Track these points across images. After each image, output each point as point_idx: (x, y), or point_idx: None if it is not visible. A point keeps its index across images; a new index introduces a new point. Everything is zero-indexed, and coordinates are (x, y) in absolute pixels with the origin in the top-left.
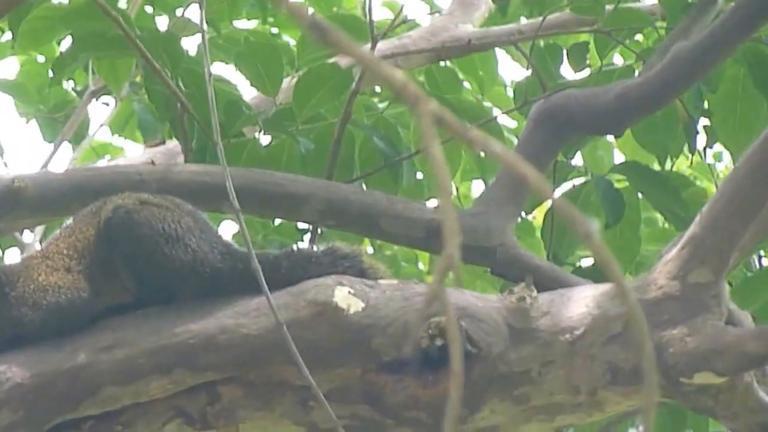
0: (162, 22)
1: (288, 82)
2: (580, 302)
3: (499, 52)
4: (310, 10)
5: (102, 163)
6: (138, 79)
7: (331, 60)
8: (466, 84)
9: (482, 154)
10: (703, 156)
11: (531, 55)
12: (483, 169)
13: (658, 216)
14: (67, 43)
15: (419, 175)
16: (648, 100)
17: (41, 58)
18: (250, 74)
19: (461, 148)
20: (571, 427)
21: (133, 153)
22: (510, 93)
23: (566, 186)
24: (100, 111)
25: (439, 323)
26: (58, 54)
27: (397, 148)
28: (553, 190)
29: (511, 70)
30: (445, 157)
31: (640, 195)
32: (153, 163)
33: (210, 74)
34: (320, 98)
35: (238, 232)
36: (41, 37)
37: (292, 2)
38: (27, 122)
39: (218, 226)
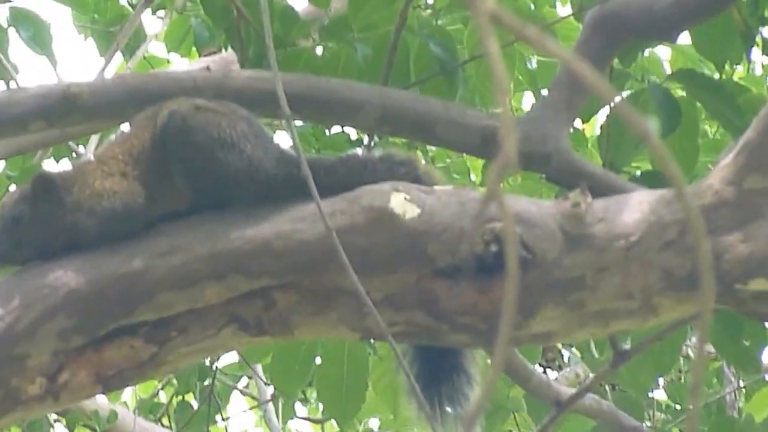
0: None
1: None
2: (636, 208)
3: None
4: None
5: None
6: None
7: None
8: None
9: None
10: (753, 67)
11: None
12: (534, 80)
13: (708, 128)
14: None
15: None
16: (704, 6)
17: None
18: None
19: (514, 59)
20: (625, 333)
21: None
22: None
23: (623, 94)
24: (155, 24)
25: (494, 229)
26: None
27: (452, 55)
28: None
29: None
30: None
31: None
32: (209, 69)
33: None
34: (375, 5)
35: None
36: None
37: None
38: (85, 39)
39: (276, 133)
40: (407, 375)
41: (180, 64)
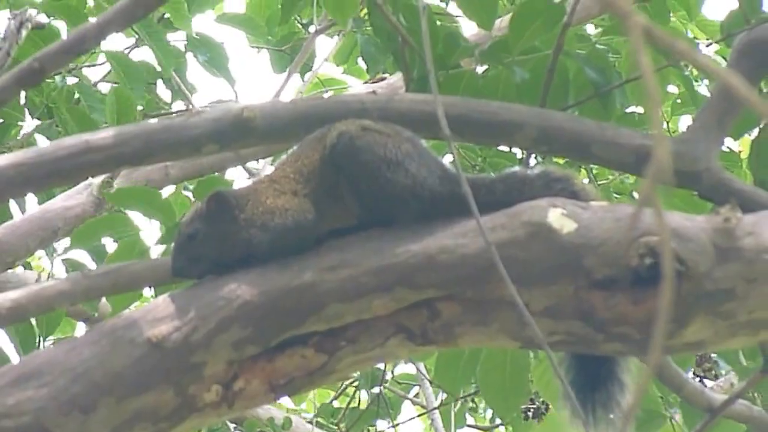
0: None
1: (501, 21)
2: None
3: None
4: None
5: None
6: (362, 14)
7: None
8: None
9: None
10: None
11: None
12: (694, 101)
13: None
14: None
15: (631, 108)
16: None
17: None
18: (467, 9)
19: (672, 79)
20: None
21: (355, 86)
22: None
23: None
24: (326, 46)
25: (648, 242)
26: None
27: (608, 78)
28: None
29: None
30: (655, 76)
31: None
32: (375, 93)
33: (424, 7)
34: (534, 30)
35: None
36: None
37: None
38: (258, 52)
39: (442, 155)
40: (562, 382)
41: (354, 85)
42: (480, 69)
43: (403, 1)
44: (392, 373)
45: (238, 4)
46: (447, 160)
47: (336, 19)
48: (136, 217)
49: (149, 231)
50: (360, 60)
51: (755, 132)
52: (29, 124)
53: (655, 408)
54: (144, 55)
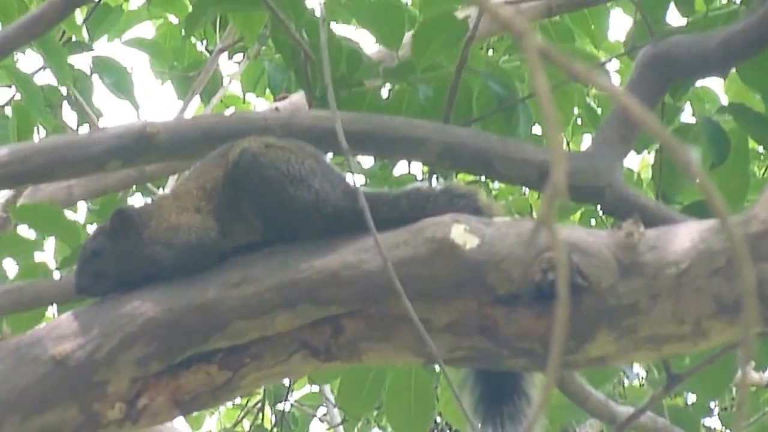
0: None
1: (408, 38)
2: (686, 237)
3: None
4: None
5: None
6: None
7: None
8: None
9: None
10: None
11: (639, 2)
12: (593, 120)
13: (756, 169)
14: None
15: (536, 129)
16: (751, 46)
17: (175, 20)
18: (373, 30)
19: (573, 100)
20: (677, 356)
21: (260, 107)
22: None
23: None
24: (231, 67)
25: (551, 258)
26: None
27: (512, 93)
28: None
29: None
30: (554, 99)
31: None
32: (278, 110)
33: (323, 18)
34: (437, 47)
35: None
36: None
37: None
38: (162, 83)
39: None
40: (458, 399)
41: (258, 104)
42: (384, 87)
43: (305, 18)
44: (291, 392)
45: (145, 31)
46: (356, 177)
47: (244, 33)
48: (38, 236)
49: (52, 251)
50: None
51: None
52: None
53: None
54: (50, 78)
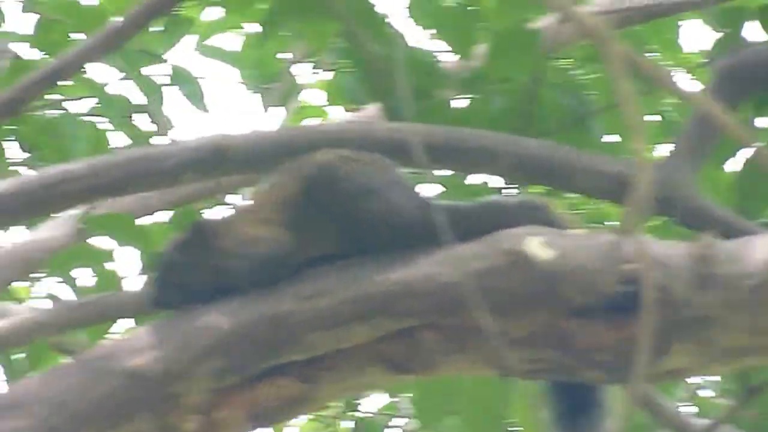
0: None
1: (481, 48)
2: (763, 249)
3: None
4: None
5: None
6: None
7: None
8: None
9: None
10: None
11: (717, 18)
12: (669, 130)
13: None
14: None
15: (609, 137)
16: None
17: (253, 28)
18: (444, 38)
19: (650, 108)
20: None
21: (337, 116)
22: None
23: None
24: (309, 77)
25: (626, 269)
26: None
27: (586, 106)
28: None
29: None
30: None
31: None
32: (353, 122)
33: (401, 36)
34: (512, 58)
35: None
36: (248, 6)
37: None
38: (240, 93)
39: (420, 183)
40: (534, 411)
41: (336, 113)
42: (457, 98)
43: (379, 29)
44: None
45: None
46: (431, 190)
47: (315, 46)
48: (114, 247)
49: (127, 261)
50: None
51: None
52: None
53: None
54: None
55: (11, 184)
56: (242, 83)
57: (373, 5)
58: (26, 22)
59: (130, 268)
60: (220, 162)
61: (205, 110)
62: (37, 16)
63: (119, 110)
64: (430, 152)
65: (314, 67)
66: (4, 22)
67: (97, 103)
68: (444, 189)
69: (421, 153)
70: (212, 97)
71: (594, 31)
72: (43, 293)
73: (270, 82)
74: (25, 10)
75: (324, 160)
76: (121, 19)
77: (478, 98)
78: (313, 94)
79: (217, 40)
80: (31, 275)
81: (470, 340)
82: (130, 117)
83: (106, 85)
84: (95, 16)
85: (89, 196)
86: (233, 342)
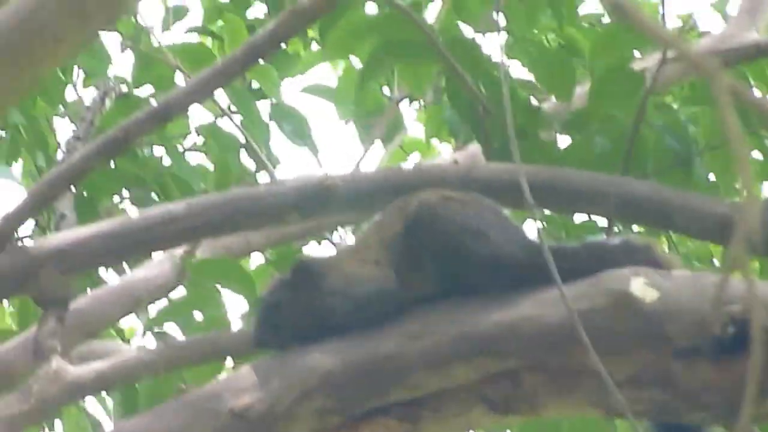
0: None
1: (581, 88)
2: None
3: None
4: None
5: (411, 159)
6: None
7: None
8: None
9: None
10: None
11: None
12: None
13: None
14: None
15: (711, 176)
16: None
17: (357, 63)
18: (544, 81)
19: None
20: None
21: (441, 151)
22: None
23: None
24: (411, 112)
25: (731, 311)
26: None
27: (689, 146)
28: None
29: None
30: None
31: None
32: (456, 162)
33: (507, 76)
34: (614, 99)
35: (537, 226)
36: (348, 46)
37: None
38: (342, 128)
39: (522, 223)
40: None
41: (440, 149)
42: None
43: (482, 70)
44: None
45: (325, 76)
46: (529, 229)
47: (413, 90)
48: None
49: (234, 305)
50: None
51: None
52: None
53: None
54: (226, 125)
55: (115, 224)
56: (342, 119)
57: (479, 46)
58: (130, 60)
59: (234, 309)
60: (325, 203)
61: (314, 149)
62: (143, 54)
63: (225, 147)
64: (534, 192)
65: (415, 103)
66: (111, 63)
67: (203, 140)
68: (547, 227)
69: (527, 193)
70: (316, 134)
71: (700, 65)
72: (148, 331)
73: (371, 117)
74: (124, 48)
75: (426, 200)
76: (227, 58)
77: (580, 139)
78: (415, 129)
79: (316, 76)
80: (136, 313)
81: (574, 382)
82: (237, 153)
83: (212, 121)
84: (201, 54)
85: (195, 236)
86: (337, 382)
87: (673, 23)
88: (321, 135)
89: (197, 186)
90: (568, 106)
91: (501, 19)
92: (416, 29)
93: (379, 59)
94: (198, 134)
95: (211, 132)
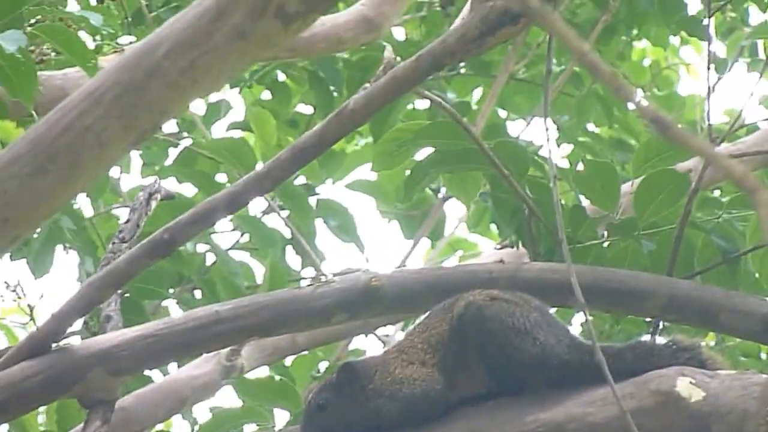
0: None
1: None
2: None
3: None
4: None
5: (456, 257)
6: (486, 187)
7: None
8: None
9: None
10: None
11: None
12: None
13: None
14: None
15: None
16: None
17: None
18: (588, 192)
19: None
20: None
21: (486, 248)
22: None
23: None
24: (456, 208)
25: None
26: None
27: (735, 245)
28: None
29: None
30: None
31: None
32: (502, 261)
33: (555, 176)
34: (659, 203)
35: (583, 324)
36: (396, 158)
37: (638, 101)
38: (388, 221)
39: (567, 321)
40: None
41: (485, 246)
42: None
43: (529, 174)
44: None
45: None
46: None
47: (459, 198)
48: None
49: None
50: (491, 224)
51: None
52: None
53: None
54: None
55: (160, 325)
56: (384, 217)
57: (525, 149)
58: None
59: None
60: (371, 302)
61: (360, 244)
62: (189, 150)
63: (272, 244)
64: (582, 293)
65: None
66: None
67: (250, 238)
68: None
69: (578, 292)
70: (361, 228)
71: (740, 179)
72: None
73: (416, 210)
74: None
75: (474, 301)
76: (273, 162)
77: (628, 242)
78: (461, 226)
79: (360, 173)
80: (181, 413)
81: None
82: (283, 250)
83: (259, 218)
84: (242, 150)
85: (241, 337)
86: None
87: (718, 118)
88: (366, 229)
89: (241, 284)
90: (612, 212)
91: (549, 122)
92: (463, 134)
93: (428, 168)
94: (241, 233)
95: (253, 227)
